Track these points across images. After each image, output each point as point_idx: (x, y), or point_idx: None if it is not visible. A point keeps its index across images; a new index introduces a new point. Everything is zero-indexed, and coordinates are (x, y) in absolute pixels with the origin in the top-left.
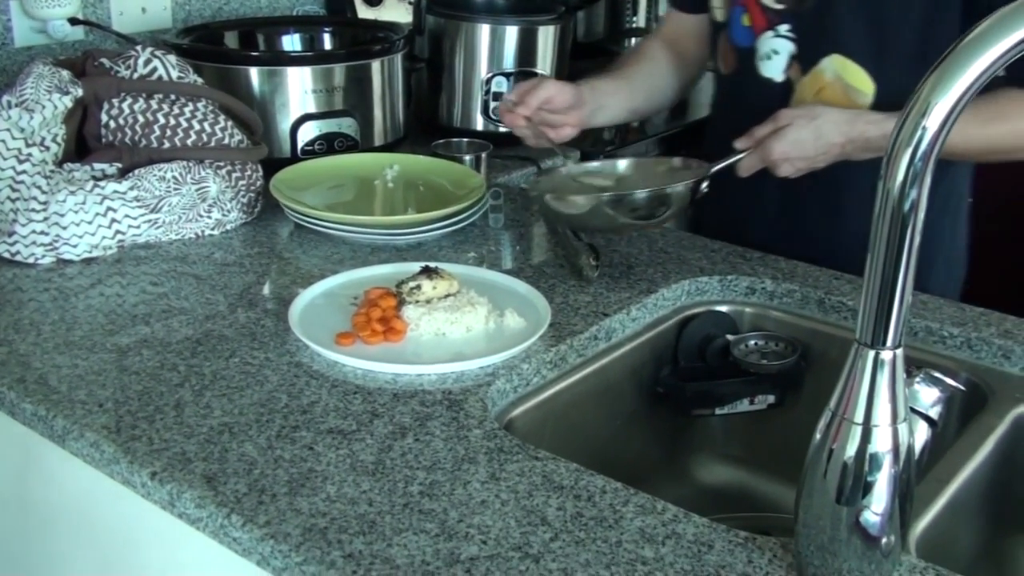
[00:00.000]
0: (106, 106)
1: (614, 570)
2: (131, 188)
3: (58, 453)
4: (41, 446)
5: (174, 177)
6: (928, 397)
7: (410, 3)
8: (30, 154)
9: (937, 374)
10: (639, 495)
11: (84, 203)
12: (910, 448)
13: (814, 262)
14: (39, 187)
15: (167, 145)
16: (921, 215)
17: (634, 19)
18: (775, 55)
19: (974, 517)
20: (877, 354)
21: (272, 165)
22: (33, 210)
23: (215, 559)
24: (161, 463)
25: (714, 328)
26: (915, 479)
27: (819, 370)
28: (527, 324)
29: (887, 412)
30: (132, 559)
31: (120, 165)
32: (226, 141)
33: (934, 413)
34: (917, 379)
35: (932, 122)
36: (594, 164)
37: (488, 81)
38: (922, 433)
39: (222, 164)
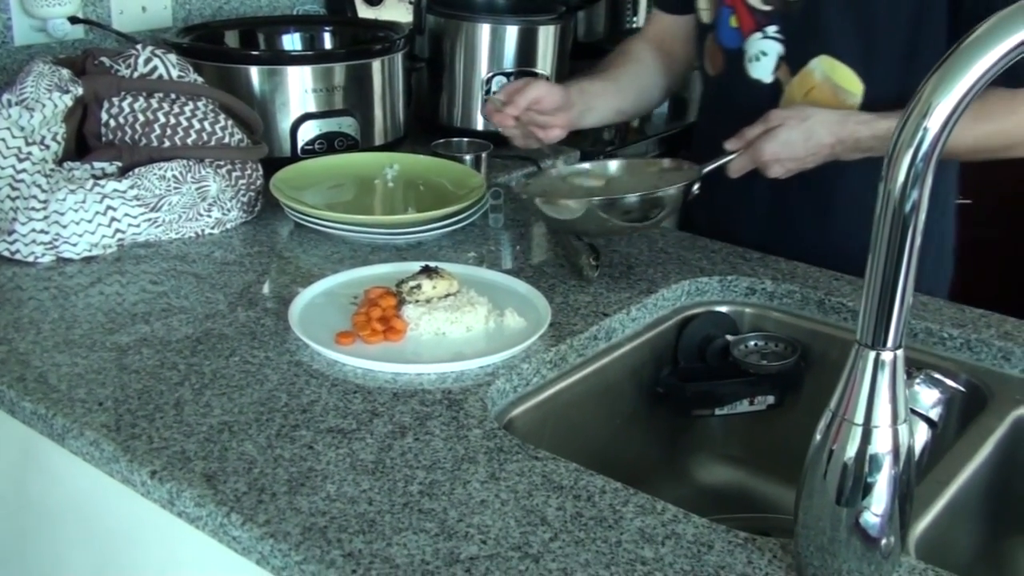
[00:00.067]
0: (106, 105)
1: (614, 570)
2: (131, 187)
3: (58, 452)
4: (41, 445)
5: (174, 176)
6: (928, 398)
7: (410, 3)
8: (30, 153)
9: (937, 375)
10: (639, 495)
11: (84, 202)
12: (910, 449)
13: (803, 262)
14: (39, 186)
15: (167, 144)
16: (922, 216)
17: (634, 19)
18: (763, 56)
19: (974, 518)
20: (877, 355)
21: (272, 164)
22: (33, 208)
23: (214, 558)
24: (161, 462)
25: (714, 328)
26: (915, 480)
27: (819, 371)
28: (527, 324)
29: (887, 413)
30: (131, 558)
31: (120, 164)
32: (226, 140)
33: (934, 414)
34: (917, 380)
35: (933, 123)
36: (584, 165)
37: (488, 81)
38: (922, 434)
39: (222, 163)
